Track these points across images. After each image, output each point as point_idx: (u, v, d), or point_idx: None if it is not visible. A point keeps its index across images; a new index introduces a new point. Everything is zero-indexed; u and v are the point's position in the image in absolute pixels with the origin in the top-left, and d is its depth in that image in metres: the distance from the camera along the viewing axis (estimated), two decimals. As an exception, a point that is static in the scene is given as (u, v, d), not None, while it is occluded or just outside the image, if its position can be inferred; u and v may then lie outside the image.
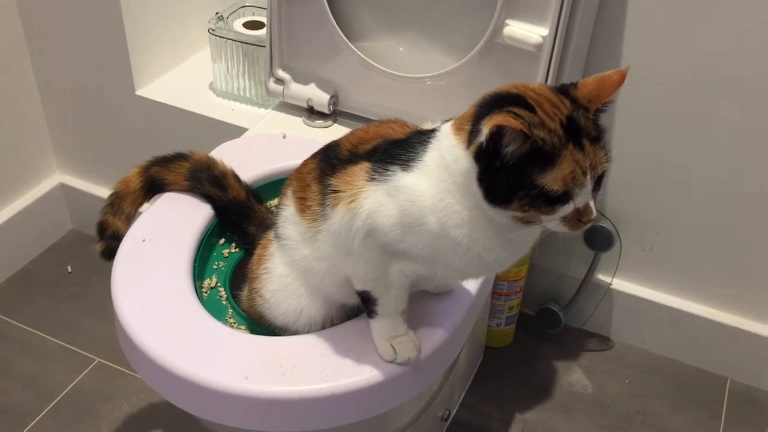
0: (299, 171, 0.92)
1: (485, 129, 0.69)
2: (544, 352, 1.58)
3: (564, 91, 0.75)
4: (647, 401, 1.48)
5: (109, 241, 1.09)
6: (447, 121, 0.79)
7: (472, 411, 1.45)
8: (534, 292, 1.58)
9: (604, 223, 1.42)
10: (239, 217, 1.09)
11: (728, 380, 1.53)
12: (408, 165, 0.78)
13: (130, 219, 1.10)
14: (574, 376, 1.53)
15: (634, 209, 1.44)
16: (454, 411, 1.42)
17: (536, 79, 1.15)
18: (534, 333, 1.60)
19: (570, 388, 1.50)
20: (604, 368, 1.54)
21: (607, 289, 1.53)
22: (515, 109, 0.71)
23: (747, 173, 1.33)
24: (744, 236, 1.40)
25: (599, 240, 1.44)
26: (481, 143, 0.71)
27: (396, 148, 0.80)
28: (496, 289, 1.47)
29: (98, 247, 1.10)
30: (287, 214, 0.91)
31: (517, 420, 1.44)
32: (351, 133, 0.89)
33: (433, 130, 0.80)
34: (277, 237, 0.94)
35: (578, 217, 0.74)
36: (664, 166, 1.38)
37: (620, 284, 1.54)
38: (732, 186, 1.36)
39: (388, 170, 0.78)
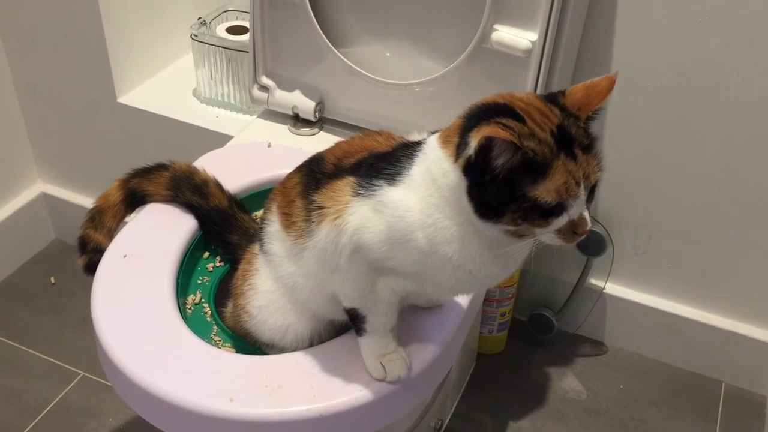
0: (283, 185, 0.89)
1: (474, 141, 0.67)
2: (537, 358, 1.56)
3: (553, 99, 0.73)
4: (642, 407, 1.47)
5: (92, 254, 1.06)
6: (433, 132, 0.77)
7: (465, 420, 1.43)
8: (526, 297, 1.57)
9: (597, 228, 1.40)
10: (222, 226, 1.07)
11: (723, 384, 1.51)
12: (394, 179, 0.75)
13: (111, 232, 1.08)
14: (567, 382, 1.51)
15: (626, 213, 1.43)
16: (447, 421, 1.40)
17: (526, 84, 1.12)
18: (527, 339, 1.58)
19: (564, 395, 1.49)
20: (597, 374, 1.53)
21: (600, 293, 1.51)
22: (504, 120, 0.68)
23: (739, 176, 1.32)
24: (736, 239, 1.38)
25: (592, 244, 1.42)
26: (470, 156, 0.69)
27: (381, 162, 0.77)
28: (488, 296, 1.45)
29: (81, 261, 1.08)
30: (272, 230, 0.89)
31: (510, 428, 1.42)
32: (335, 145, 0.87)
33: (419, 143, 0.78)
34: (263, 252, 0.92)
35: (573, 228, 0.72)
36: (656, 170, 1.36)
37: (613, 288, 1.52)
38: (724, 189, 1.34)
39: (373, 185, 0.76)
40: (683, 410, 1.46)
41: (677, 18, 1.21)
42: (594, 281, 1.51)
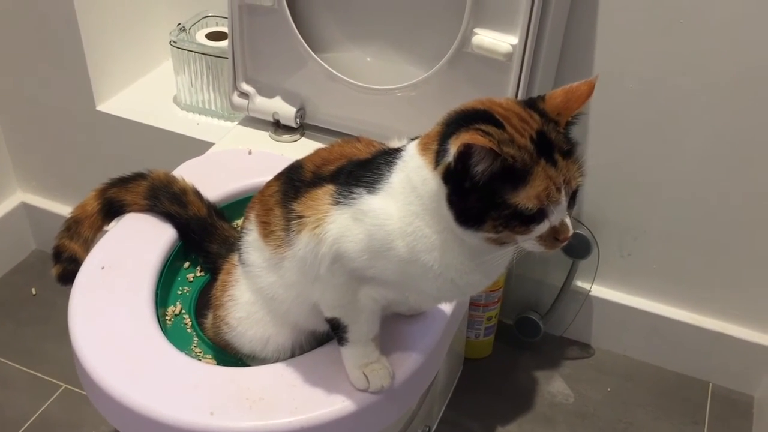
0: (262, 194, 0.88)
1: (453, 148, 0.66)
2: (524, 361, 1.55)
3: (532, 104, 0.72)
4: (629, 409, 1.46)
5: (66, 264, 1.05)
6: (413, 139, 0.76)
7: (453, 426, 1.42)
8: (512, 301, 1.56)
9: (582, 230, 1.40)
10: (201, 235, 1.05)
11: (710, 385, 1.51)
12: (374, 187, 0.74)
13: (88, 243, 1.06)
14: (555, 385, 1.51)
15: (611, 215, 1.42)
16: (434, 427, 1.39)
17: (507, 88, 1.12)
18: (514, 342, 1.57)
19: (551, 399, 1.48)
20: (585, 376, 1.52)
21: (586, 296, 1.51)
22: (483, 126, 0.68)
23: (723, 176, 1.32)
24: (722, 239, 1.38)
25: (577, 247, 1.41)
26: (449, 163, 0.68)
27: (361, 170, 0.76)
28: (474, 300, 1.44)
29: (54, 271, 1.06)
30: (251, 239, 0.87)
31: (498, 433, 1.42)
32: (314, 153, 0.86)
33: (399, 150, 0.77)
34: (242, 263, 0.90)
35: (554, 235, 0.71)
36: (640, 172, 1.36)
37: (599, 291, 1.52)
38: (708, 189, 1.34)
39: (353, 193, 0.75)
40: (671, 412, 1.46)
41: (658, 20, 1.21)
42: (580, 284, 1.51)
